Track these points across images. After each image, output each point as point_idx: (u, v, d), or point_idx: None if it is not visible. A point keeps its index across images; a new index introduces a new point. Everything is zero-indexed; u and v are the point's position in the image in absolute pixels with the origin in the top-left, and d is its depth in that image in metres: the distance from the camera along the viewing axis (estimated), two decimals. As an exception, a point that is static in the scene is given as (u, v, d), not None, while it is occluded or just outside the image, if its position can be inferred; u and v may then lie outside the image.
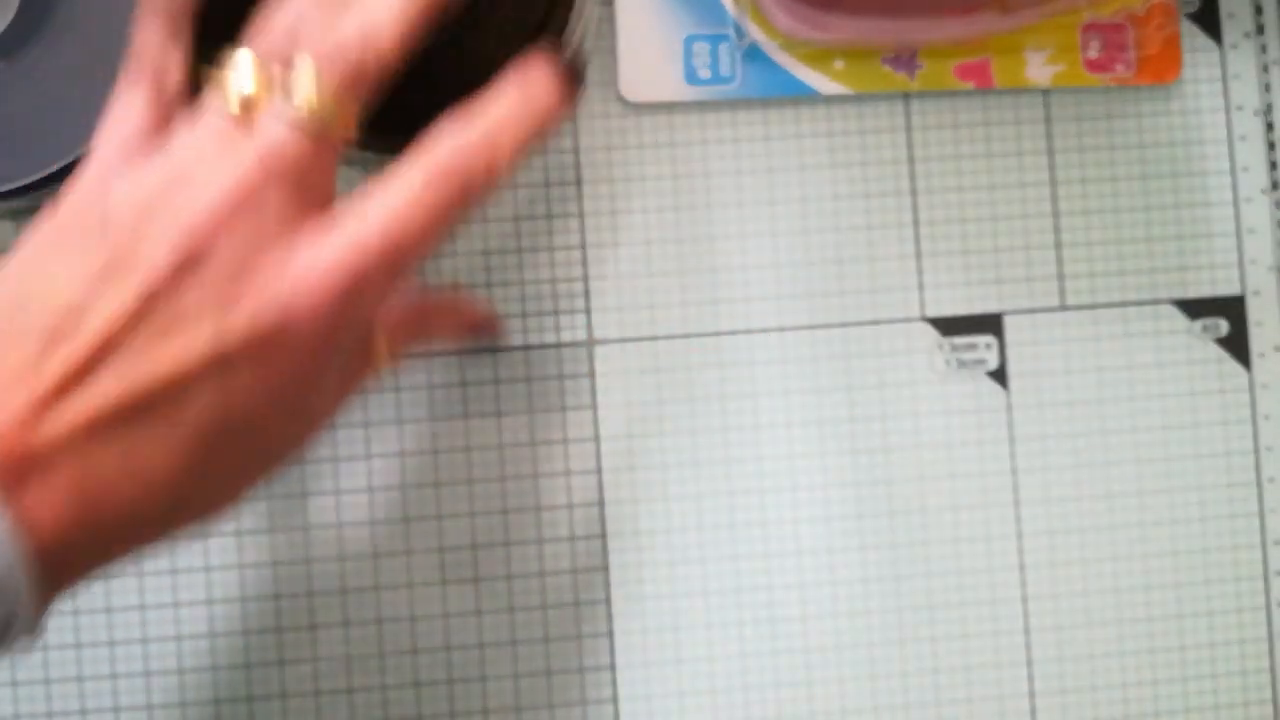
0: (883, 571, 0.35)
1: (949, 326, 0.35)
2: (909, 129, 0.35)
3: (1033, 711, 0.35)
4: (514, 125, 0.24)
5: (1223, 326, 0.36)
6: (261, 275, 0.22)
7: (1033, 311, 0.35)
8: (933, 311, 0.35)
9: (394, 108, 0.30)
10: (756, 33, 0.34)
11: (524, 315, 0.34)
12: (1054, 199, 0.35)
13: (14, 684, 0.33)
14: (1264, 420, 0.35)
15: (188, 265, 0.21)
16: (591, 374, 0.34)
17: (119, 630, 0.33)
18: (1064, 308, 0.35)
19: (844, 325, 0.35)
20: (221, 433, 0.22)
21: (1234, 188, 0.36)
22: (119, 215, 0.22)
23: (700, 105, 0.35)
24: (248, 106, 0.23)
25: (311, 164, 0.23)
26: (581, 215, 0.34)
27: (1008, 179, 0.35)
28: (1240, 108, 0.36)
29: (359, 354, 0.26)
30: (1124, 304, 0.35)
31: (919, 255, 0.35)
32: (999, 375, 0.35)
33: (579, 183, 0.34)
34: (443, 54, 0.30)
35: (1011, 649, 0.35)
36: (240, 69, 0.23)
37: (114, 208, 0.22)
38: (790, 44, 0.34)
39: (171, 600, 0.33)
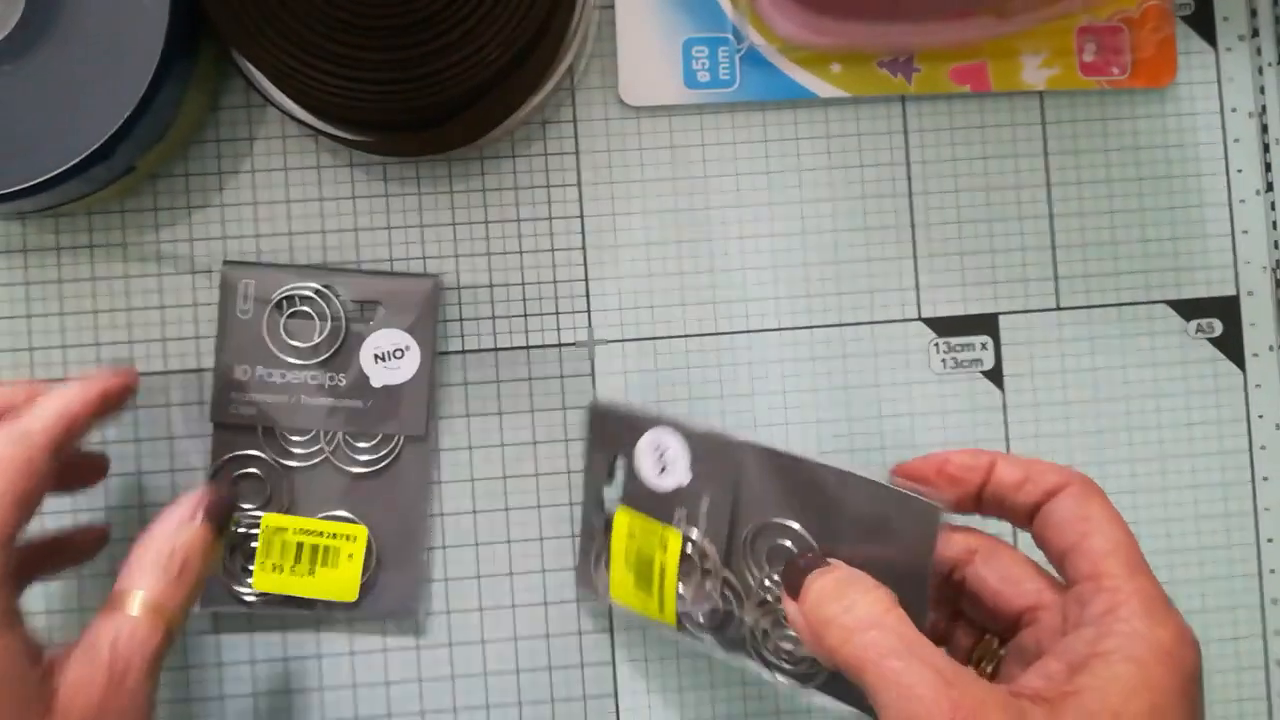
0: (880, 569, 0.35)
1: (945, 327, 0.35)
2: (906, 132, 0.35)
3: (1028, 708, 0.35)
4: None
5: (1217, 327, 0.36)
6: None
7: (1028, 312, 0.35)
8: (929, 312, 0.35)
9: (399, 111, 0.30)
10: (755, 37, 0.34)
11: (525, 316, 0.34)
12: (1049, 201, 0.35)
13: (22, 680, 0.33)
14: (1258, 419, 0.36)
15: None
16: (592, 374, 0.35)
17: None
18: (1059, 308, 0.35)
19: (841, 325, 0.35)
20: None
21: (1228, 189, 0.36)
22: None
23: (699, 108, 0.35)
24: None
25: None
26: (582, 217, 0.35)
27: (1003, 181, 0.35)
28: (1234, 110, 0.36)
29: None
30: (1119, 304, 0.36)
31: (915, 256, 0.35)
32: (994, 375, 0.35)
33: (579, 185, 0.35)
34: (445, 57, 0.30)
35: (1007, 646, 0.35)
36: None
37: None
38: (788, 48, 0.34)
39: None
